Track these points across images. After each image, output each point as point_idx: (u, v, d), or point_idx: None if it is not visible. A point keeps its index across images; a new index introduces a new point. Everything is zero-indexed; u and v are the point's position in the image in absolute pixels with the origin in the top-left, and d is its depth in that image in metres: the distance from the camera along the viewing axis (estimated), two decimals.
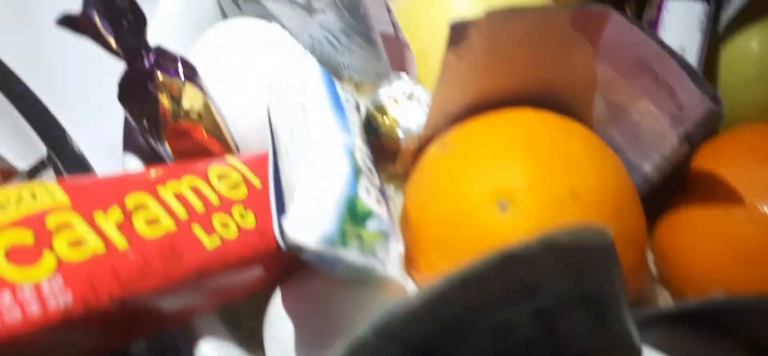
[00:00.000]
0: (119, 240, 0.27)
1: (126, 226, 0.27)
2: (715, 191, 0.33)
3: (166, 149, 0.35)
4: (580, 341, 0.23)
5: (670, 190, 0.34)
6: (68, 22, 0.33)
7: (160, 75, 0.34)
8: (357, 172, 0.30)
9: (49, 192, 0.27)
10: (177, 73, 0.35)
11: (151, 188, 0.30)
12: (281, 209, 0.30)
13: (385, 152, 0.37)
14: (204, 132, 0.35)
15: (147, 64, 0.34)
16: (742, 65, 0.38)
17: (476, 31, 0.30)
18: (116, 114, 0.36)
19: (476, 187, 0.30)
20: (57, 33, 0.33)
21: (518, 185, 0.30)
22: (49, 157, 0.42)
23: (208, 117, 0.35)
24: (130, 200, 0.28)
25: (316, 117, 0.33)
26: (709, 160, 0.35)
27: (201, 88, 0.35)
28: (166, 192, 0.30)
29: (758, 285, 0.31)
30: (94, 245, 0.26)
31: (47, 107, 0.43)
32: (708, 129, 0.31)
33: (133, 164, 0.36)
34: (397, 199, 0.37)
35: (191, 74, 0.35)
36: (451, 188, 0.31)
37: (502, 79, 0.33)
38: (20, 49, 0.47)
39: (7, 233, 0.25)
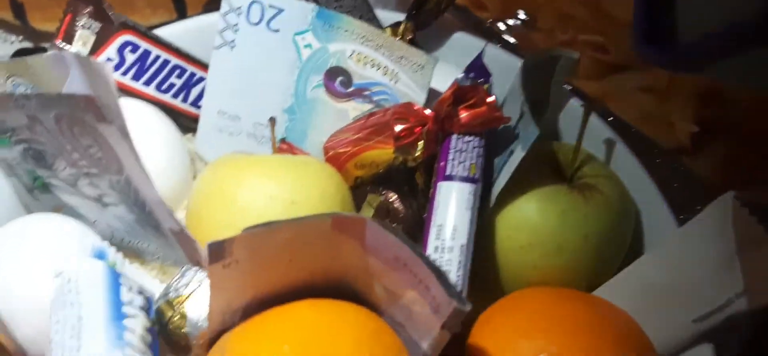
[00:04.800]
0: None
1: None
2: None
3: None
4: None
5: None
6: None
7: None
8: None
9: None
10: None
11: None
12: None
13: (177, 347, 0.37)
14: None
15: None
16: (517, 233, 0.41)
17: (237, 246, 0.32)
18: None
19: None
20: None
21: None
22: None
23: None
24: None
25: (88, 336, 0.33)
26: (481, 331, 0.37)
27: None
28: None
29: None
30: None
31: None
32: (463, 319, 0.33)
33: None
34: None
35: None
36: None
37: (278, 278, 0.35)
38: None
39: None
